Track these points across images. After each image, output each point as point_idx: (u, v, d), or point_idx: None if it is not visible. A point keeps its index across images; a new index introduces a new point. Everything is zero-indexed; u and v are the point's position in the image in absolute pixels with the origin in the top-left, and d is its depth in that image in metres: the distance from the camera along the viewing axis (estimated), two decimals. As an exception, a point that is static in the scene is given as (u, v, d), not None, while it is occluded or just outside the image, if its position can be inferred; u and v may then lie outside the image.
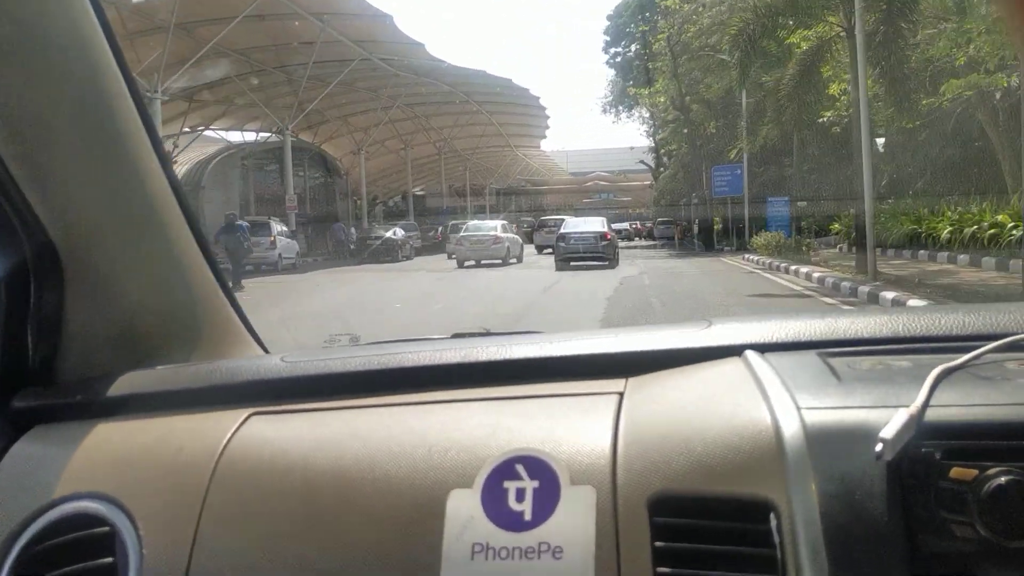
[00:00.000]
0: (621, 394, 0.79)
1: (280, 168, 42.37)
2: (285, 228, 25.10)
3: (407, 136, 46.15)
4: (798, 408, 0.66)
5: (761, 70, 17.91)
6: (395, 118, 41.93)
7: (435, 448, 0.75)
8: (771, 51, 15.87)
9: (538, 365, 0.87)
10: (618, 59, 46.81)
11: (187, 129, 33.10)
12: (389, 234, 29.26)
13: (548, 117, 45.58)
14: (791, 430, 0.64)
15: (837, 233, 19.09)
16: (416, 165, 53.05)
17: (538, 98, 40.62)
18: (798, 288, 13.42)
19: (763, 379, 0.72)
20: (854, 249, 15.64)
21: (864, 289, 11.29)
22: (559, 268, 20.34)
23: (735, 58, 15.98)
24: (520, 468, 0.71)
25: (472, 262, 22.85)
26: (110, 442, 0.88)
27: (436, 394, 0.85)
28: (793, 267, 16.12)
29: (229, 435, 0.83)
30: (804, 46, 14.75)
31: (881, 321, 0.87)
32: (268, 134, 38.51)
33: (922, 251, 15.96)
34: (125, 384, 0.95)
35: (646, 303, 11.65)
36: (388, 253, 27.33)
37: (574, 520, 0.67)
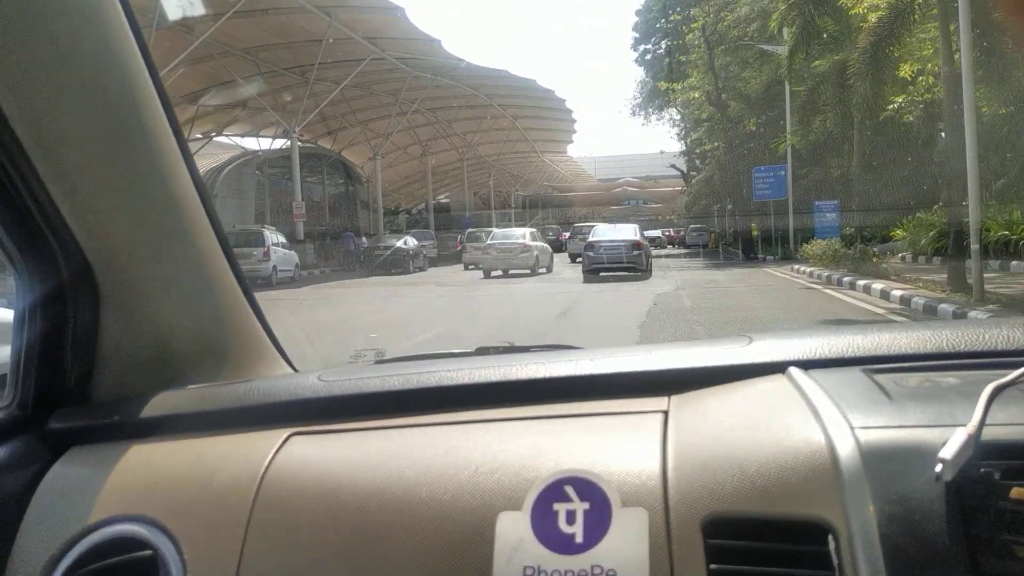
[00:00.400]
0: (666, 412, 0.78)
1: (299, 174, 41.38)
2: (282, 238, 23.24)
3: (429, 142, 44.67)
4: (851, 427, 0.65)
5: (811, 57, 15.92)
6: (415, 123, 40.52)
7: (481, 469, 0.75)
8: (828, 29, 13.90)
9: (579, 383, 0.86)
10: (647, 56, 43.51)
11: (199, 135, 31.89)
12: (400, 243, 27.28)
13: (575, 121, 43.92)
14: (846, 450, 0.63)
15: (901, 240, 16.75)
16: (440, 172, 51.67)
17: (564, 100, 38.89)
18: (878, 311, 10.53)
19: (812, 397, 0.71)
20: (933, 260, 13.41)
21: (978, 316, 8.10)
22: (587, 280, 18.70)
23: (788, 36, 14.00)
24: (569, 490, 0.70)
25: (499, 272, 21.62)
26: (148, 463, 0.87)
27: (477, 413, 0.84)
28: (862, 282, 13.25)
29: (271, 456, 0.83)
30: (873, 17, 12.56)
31: (926, 336, 0.85)
32: (284, 140, 37.24)
33: (1015, 261, 13.61)
34: (161, 404, 0.95)
35: (690, 334, 8.77)
36: (398, 264, 25.55)
37: (627, 543, 0.67)
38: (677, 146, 46.30)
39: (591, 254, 19.22)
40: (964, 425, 0.62)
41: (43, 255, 0.93)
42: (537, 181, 62.36)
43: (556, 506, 0.69)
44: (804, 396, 0.72)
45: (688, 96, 25.45)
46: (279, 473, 0.81)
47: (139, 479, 0.85)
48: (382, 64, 29.41)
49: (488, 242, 22.62)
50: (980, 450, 0.60)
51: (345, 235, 32.17)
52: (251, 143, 36.81)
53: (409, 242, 27.96)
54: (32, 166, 0.86)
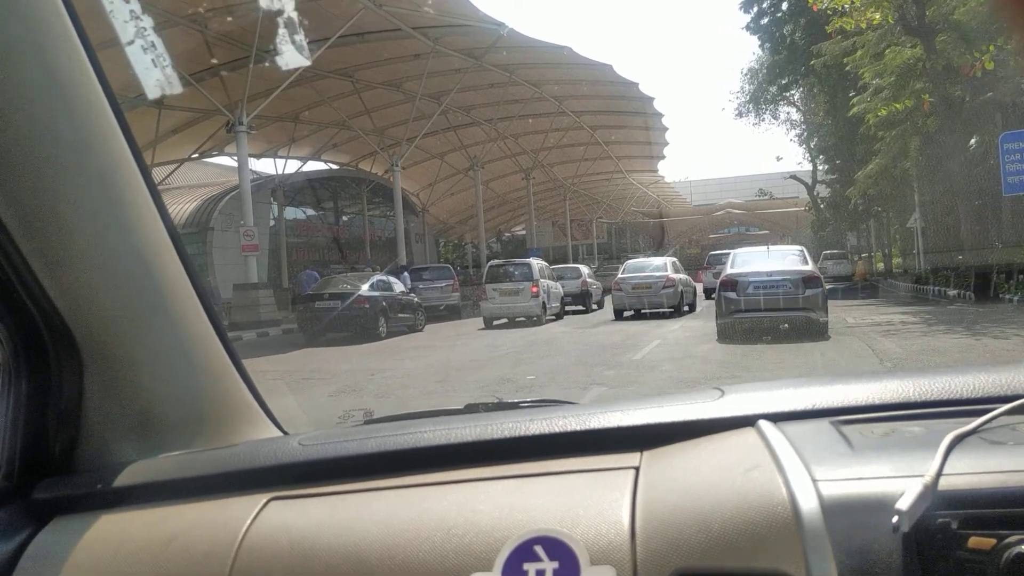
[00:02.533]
0: (637, 468, 0.79)
1: (332, 202, 35.17)
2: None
3: (490, 163, 37.60)
4: (813, 480, 0.66)
5: None
6: (475, 138, 33.48)
7: (454, 530, 0.76)
8: None
9: (554, 440, 0.87)
10: (764, 19, 27.43)
11: (195, 155, 25.77)
12: (366, 289, 15.91)
13: (666, 129, 35.83)
14: (807, 503, 0.64)
15: None
16: (511, 200, 44.53)
17: (652, 99, 30.93)
18: None
19: (778, 451, 0.72)
20: None
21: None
22: (721, 337, 11.21)
23: None
24: (539, 549, 0.71)
25: (631, 312, 17.62)
26: (129, 532, 0.89)
27: (453, 473, 0.85)
28: None
29: (249, 522, 0.84)
30: None
31: (892, 386, 0.86)
32: (303, 160, 30.96)
33: None
34: (144, 472, 0.97)
35: None
36: (354, 324, 15.11)
37: None
38: (794, 156, 37.15)
39: (732, 295, 11.40)
40: (923, 475, 0.63)
41: (26, 328, 0.95)
42: (623, 207, 54.44)
43: (526, 566, 0.70)
44: (771, 450, 0.73)
45: (863, 18, 14.51)
46: (257, 539, 0.82)
47: (121, 548, 0.87)
48: (425, 58, 22.54)
49: (621, 276, 18.47)
50: (939, 500, 0.61)
51: (304, 274, 21.21)
52: (266, 164, 30.33)
53: (384, 286, 16.79)
54: (13, 242, 0.88)
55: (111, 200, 0.96)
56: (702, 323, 14.86)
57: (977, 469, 0.64)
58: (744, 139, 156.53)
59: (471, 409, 1.19)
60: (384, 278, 17.66)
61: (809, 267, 11.64)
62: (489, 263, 20.12)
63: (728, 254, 22.63)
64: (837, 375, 0.96)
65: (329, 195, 34.08)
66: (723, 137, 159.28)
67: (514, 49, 23.17)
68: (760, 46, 29.12)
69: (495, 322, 18.21)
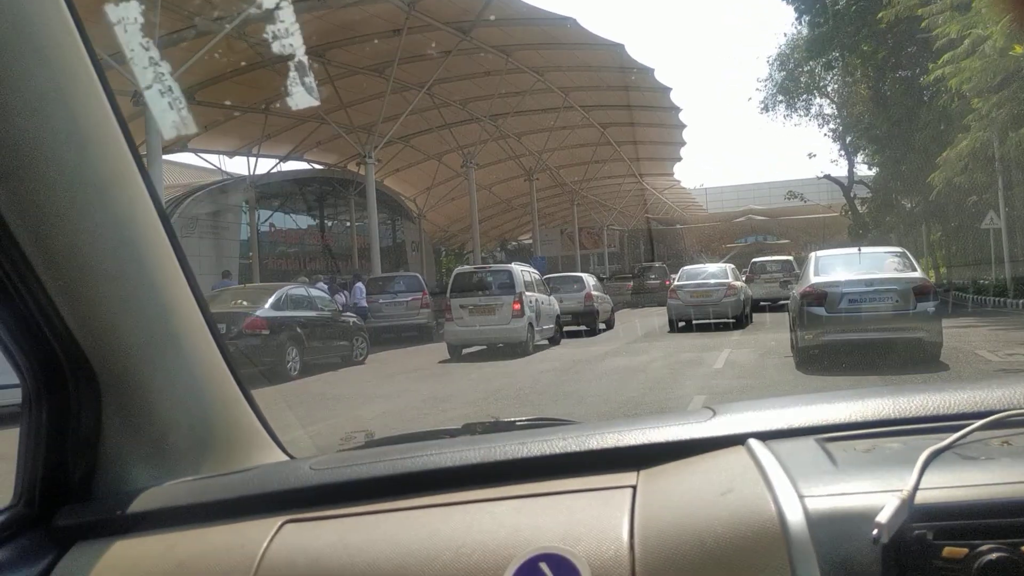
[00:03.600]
0: (634, 487, 0.83)
1: (318, 207, 32.20)
2: None
3: (491, 166, 34.62)
4: (800, 496, 0.70)
5: None
6: (472, 138, 30.53)
7: (462, 550, 0.79)
8: None
9: (554, 461, 0.90)
10: None
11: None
12: (268, 305, 11.51)
13: (683, 127, 32.73)
14: (794, 518, 0.68)
15: None
16: (517, 205, 41.58)
17: (669, 90, 27.83)
18: None
19: (766, 468, 0.76)
20: None
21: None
22: (804, 365, 8.51)
23: None
24: (544, 567, 0.74)
25: (683, 322, 16.00)
26: (150, 557, 0.91)
27: (459, 494, 0.88)
28: None
29: (265, 545, 0.86)
30: None
31: (873, 404, 0.90)
32: (276, 159, 28.04)
33: None
34: (160, 497, 1.00)
35: None
36: (249, 356, 10.33)
37: None
38: (827, 154, 33.54)
39: (819, 311, 8.41)
40: (901, 490, 0.67)
41: (48, 360, 0.98)
42: (636, 214, 51.28)
43: None
44: (760, 467, 0.77)
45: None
46: (274, 561, 0.85)
47: (141, 573, 0.89)
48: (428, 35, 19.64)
49: (677, 283, 17.14)
50: (916, 513, 0.66)
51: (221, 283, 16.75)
52: (237, 165, 27.26)
53: (300, 302, 12.44)
54: (37, 278, 0.92)
55: (129, 237, 1.00)
56: (765, 337, 13.16)
57: (951, 483, 0.69)
58: (765, 140, 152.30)
59: (468, 429, 1.23)
60: (302, 291, 13.02)
61: (918, 273, 8.75)
62: (456, 270, 15.79)
63: (771, 262, 19.22)
64: (821, 393, 1.02)
65: (314, 199, 31.11)
66: (741, 139, 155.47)
67: (508, 22, 20.14)
68: (797, 19, 25.55)
69: (465, 350, 13.96)
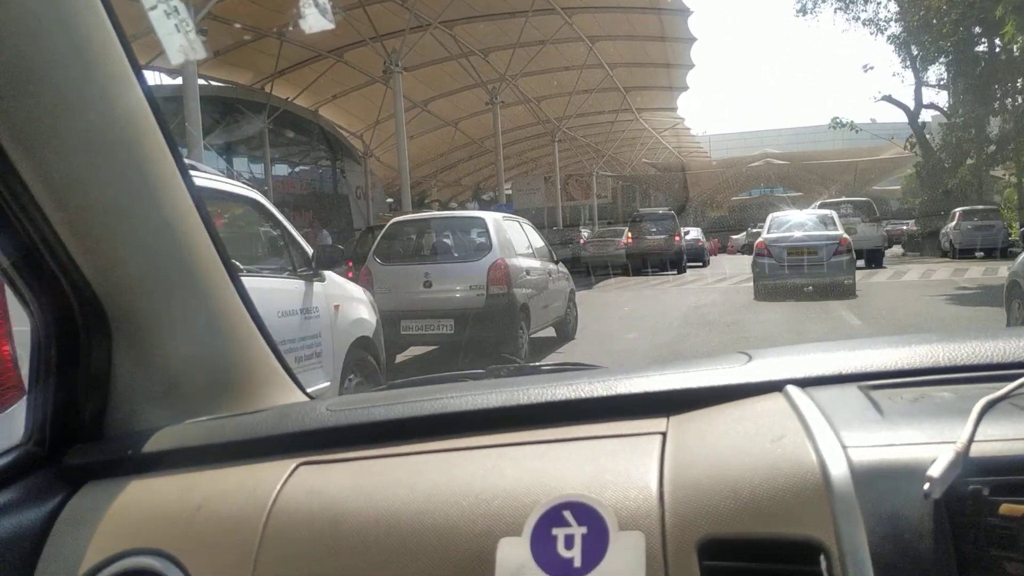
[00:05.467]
0: (664, 434, 0.80)
1: (224, 137, 25.31)
2: None
3: (455, 96, 27.73)
4: (843, 447, 0.67)
5: None
6: (429, 55, 23.72)
7: (482, 496, 0.77)
8: None
9: (579, 406, 0.88)
10: None
11: None
12: None
13: (693, 40, 25.78)
14: (837, 470, 0.65)
15: None
16: (486, 147, 34.79)
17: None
18: None
19: (806, 416, 0.73)
20: None
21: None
22: None
23: None
24: (568, 514, 0.72)
25: (776, 290, 11.80)
26: (160, 497, 0.91)
27: (480, 439, 0.86)
28: None
29: (278, 487, 0.85)
30: None
31: (922, 351, 0.86)
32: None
33: None
34: (173, 438, 0.98)
35: None
36: None
37: (624, 566, 0.69)
38: (886, 68, 26.12)
39: None
40: (954, 442, 0.63)
41: (55, 296, 0.97)
42: (631, 160, 44.44)
43: (555, 531, 0.71)
44: (799, 415, 0.73)
45: None
46: (287, 504, 0.83)
47: (152, 512, 0.88)
48: None
49: (767, 235, 12.70)
50: (970, 467, 0.62)
51: None
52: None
53: None
54: (41, 211, 0.90)
55: (137, 168, 0.98)
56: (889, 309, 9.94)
57: (1009, 435, 0.65)
58: (779, 79, 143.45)
59: (492, 373, 1.21)
60: None
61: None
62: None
63: (849, 203, 14.42)
64: (864, 339, 0.95)
65: (213, 125, 24.19)
66: (752, 75, 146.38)
67: None
68: None
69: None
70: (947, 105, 23.34)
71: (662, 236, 20.88)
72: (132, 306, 1.01)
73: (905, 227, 27.48)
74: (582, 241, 22.41)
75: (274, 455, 0.90)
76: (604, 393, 0.88)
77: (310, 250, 4.71)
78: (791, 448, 0.69)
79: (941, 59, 21.02)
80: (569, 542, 0.70)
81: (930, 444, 0.65)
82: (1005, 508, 0.59)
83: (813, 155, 41.45)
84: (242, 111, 23.89)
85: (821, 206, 17.39)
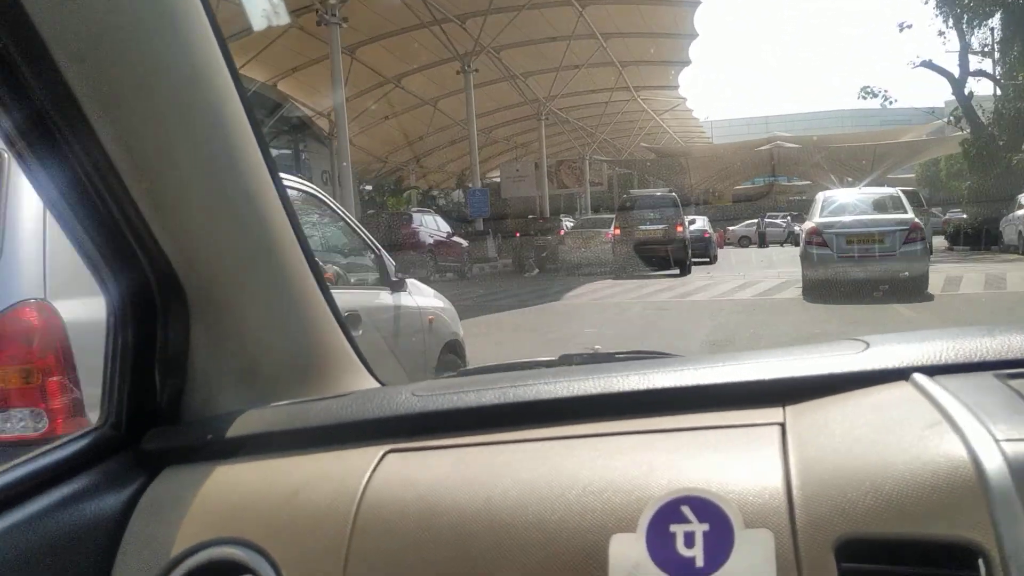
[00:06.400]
0: (782, 424, 0.74)
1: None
2: None
3: (429, 71, 24.77)
4: (995, 440, 0.61)
5: None
6: (403, 21, 20.80)
7: (589, 488, 0.72)
8: None
9: (684, 394, 0.82)
10: None
11: None
12: None
13: (697, 4, 22.76)
14: (992, 464, 0.59)
15: None
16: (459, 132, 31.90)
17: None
18: None
19: (946, 406, 0.67)
20: None
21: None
22: None
23: None
24: (686, 510, 0.67)
25: (832, 286, 9.79)
26: (244, 483, 0.88)
27: (579, 427, 0.81)
28: None
29: (368, 475, 0.82)
30: None
31: None
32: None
33: None
34: (253, 422, 0.95)
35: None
36: None
37: (752, 567, 0.64)
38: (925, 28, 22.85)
39: None
40: None
41: (134, 274, 0.95)
42: (628, 146, 41.39)
43: (673, 527, 0.67)
44: (936, 405, 0.68)
45: None
46: (377, 493, 0.80)
47: (234, 500, 0.86)
48: None
49: (820, 220, 10.50)
50: None
51: None
52: None
53: None
54: (123, 184, 0.88)
55: (221, 145, 0.94)
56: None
57: None
58: (788, 59, 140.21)
59: (566, 360, 1.16)
60: None
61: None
62: None
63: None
64: (996, 326, 0.87)
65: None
66: (758, 56, 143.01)
67: None
68: None
69: None
70: (999, 72, 20.12)
71: (660, 226, 16.38)
72: (211, 286, 0.97)
73: (945, 217, 23.02)
74: (562, 233, 18.62)
75: (361, 441, 0.87)
76: (714, 380, 0.82)
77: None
78: (933, 440, 0.63)
79: (995, 14, 17.87)
80: (689, 540, 0.66)
81: None
82: None
83: (826, 139, 38.49)
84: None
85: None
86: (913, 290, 9.97)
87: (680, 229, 16.23)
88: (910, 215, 10.56)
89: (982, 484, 0.58)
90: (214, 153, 0.94)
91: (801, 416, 0.75)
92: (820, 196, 11.72)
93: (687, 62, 30.02)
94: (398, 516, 0.77)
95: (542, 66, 27.40)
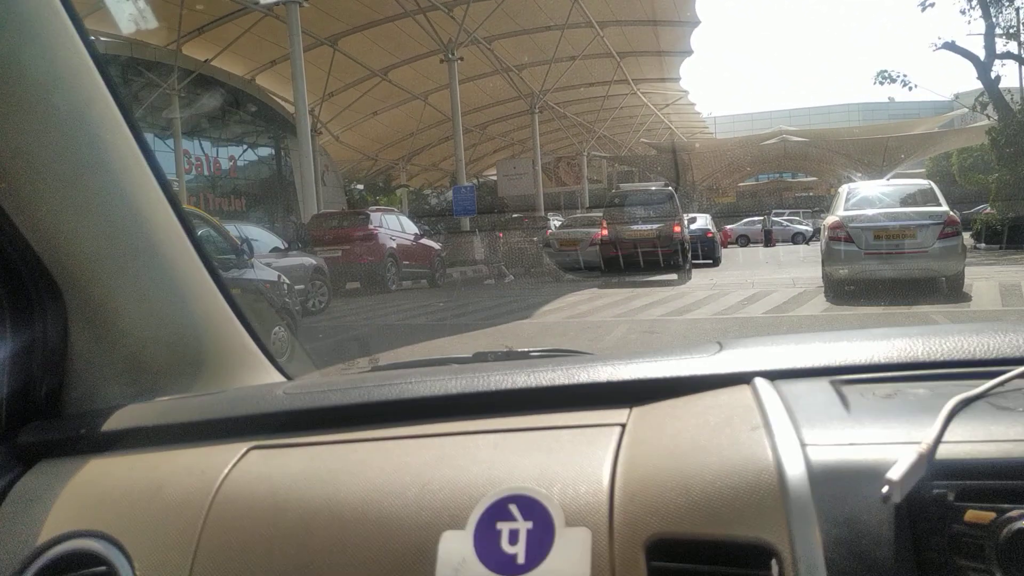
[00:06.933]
0: (624, 425, 0.78)
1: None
2: None
3: (415, 62, 23.51)
4: (802, 445, 0.64)
5: None
6: (387, 10, 19.61)
7: (429, 486, 0.75)
8: None
9: (541, 395, 0.86)
10: None
11: None
12: None
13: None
14: (794, 470, 0.62)
15: None
16: (464, 126, 30.48)
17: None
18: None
19: (769, 411, 0.70)
20: None
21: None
22: None
23: None
24: (513, 508, 0.70)
25: (859, 286, 9.25)
26: (111, 477, 0.90)
27: (434, 426, 0.85)
28: None
29: (227, 470, 0.84)
30: None
31: (900, 345, 0.83)
32: None
33: None
34: (127, 417, 0.97)
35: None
36: None
37: (568, 563, 0.67)
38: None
39: None
40: (919, 443, 0.61)
41: (5, 272, 0.96)
42: (627, 142, 40.02)
43: (500, 525, 0.69)
44: (761, 409, 0.71)
45: None
46: (234, 488, 0.82)
47: (102, 493, 0.88)
48: None
49: (844, 213, 9.36)
50: (935, 470, 0.59)
51: None
52: None
53: None
54: None
55: (85, 137, 0.95)
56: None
57: (980, 437, 0.61)
58: (792, 54, 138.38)
59: (480, 358, 1.19)
60: None
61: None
62: None
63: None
64: (843, 332, 0.92)
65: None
66: (761, 50, 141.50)
67: None
68: None
69: None
70: (1028, 54, 18.62)
71: (655, 226, 14.29)
72: (88, 281, 0.98)
73: (977, 209, 21.31)
74: (548, 233, 16.75)
75: (228, 438, 0.88)
76: (565, 381, 0.85)
77: None
78: (748, 444, 0.66)
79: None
80: (514, 537, 0.68)
81: (895, 444, 0.61)
82: (971, 515, 0.56)
83: (834, 132, 36.97)
84: (143, 72, 19.60)
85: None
86: (948, 292, 8.80)
87: (678, 229, 14.25)
88: (945, 207, 9.33)
89: (782, 487, 0.60)
90: (79, 153, 0.94)
91: (644, 417, 0.77)
92: (844, 188, 10.53)
93: (689, 52, 28.67)
94: (250, 512, 0.78)
95: (536, 58, 26.08)
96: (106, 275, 0.99)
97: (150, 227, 1.02)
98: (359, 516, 0.75)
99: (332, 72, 23.93)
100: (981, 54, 18.93)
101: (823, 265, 9.79)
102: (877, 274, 9.24)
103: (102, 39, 18.55)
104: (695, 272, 14.30)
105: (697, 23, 25.13)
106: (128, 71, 19.47)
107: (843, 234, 9.22)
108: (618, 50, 26.42)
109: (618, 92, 31.77)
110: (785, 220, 30.60)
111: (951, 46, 18.90)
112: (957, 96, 25.75)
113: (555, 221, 18.33)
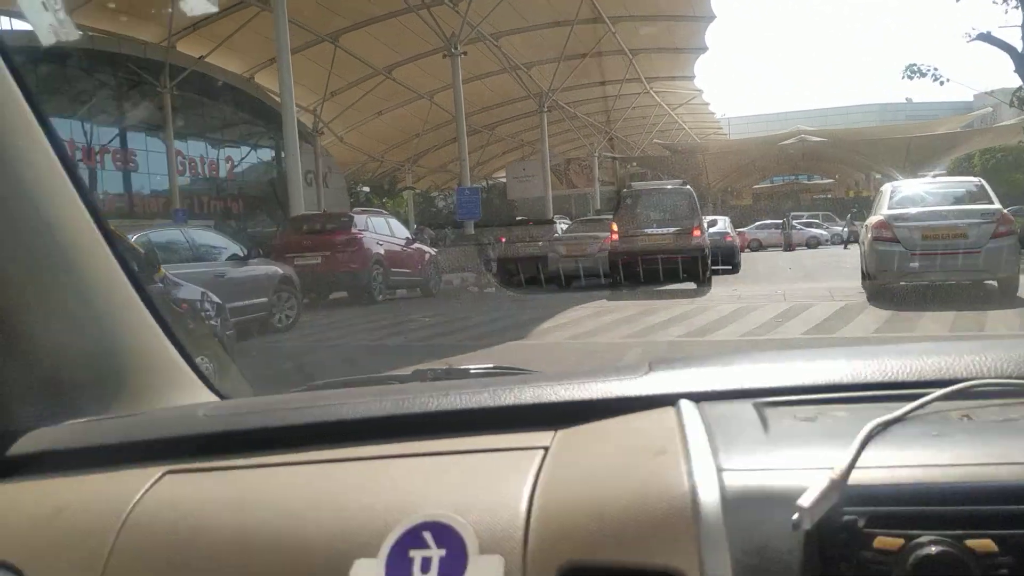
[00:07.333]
0: (547, 449, 0.76)
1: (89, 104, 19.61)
2: None
3: (422, 60, 22.61)
4: (719, 470, 0.63)
5: None
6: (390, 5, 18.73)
7: (343, 513, 0.73)
8: None
9: (466, 416, 0.85)
10: None
11: None
12: None
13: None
14: (708, 496, 0.61)
15: None
16: (473, 127, 29.64)
17: None
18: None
19: (689, 435, 0.69)
20: None
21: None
22: None
23: None
24: (427, 535, 0.68)
25: (901, 278, 8.53)
26: (14, 503, 0.88)
27: (356, 450, 0.83)
28: None
29: (138, 496, 0.82)
30: None
31: (824, 366, 0.85)
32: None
33: None
34: (43, 440, 0.95)
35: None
36: None
37: None
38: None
39: None
40: (832, 468, 0.60)
41: None
42: (640, 143, 39.01)
43: (412, 553, 0.68)
44: (682, 433, 0.70)
45: None
46: (144, 515, 0.80)
47: (8, 521, 0.85)
48: None
49: (888, 212, 8.80)
50: (848, 496, 0.58)
51: None
52: None
53: None
54: None
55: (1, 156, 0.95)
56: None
57: (894, 462, 0.61)
58: (807, 54, 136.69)
59: (418, 376, 1.19)
60: None
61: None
62: None
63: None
64: (769, 352, 0.93)
65: (93, 92, 19.03)
66: (776, 48, 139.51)
67: None
68: None
69: None
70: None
71: (671, 229, 12.66)
72: None
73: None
74: (553, 238, 15.26)
75: (143, 461, 0.86)
76: (490, 404, 0.84)
77: None
78: (664, 469, 0.65)
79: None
80: (426, 565, 0.67)
81: (809, 469, 0.60)
82: (880, 541, 0.56)
83: (854, 132, 35.76)
84: (134, 70, 18.81)
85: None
86: (1001, 297, 8.03)
87: (698, 233, 12.63)
88: (997, 205, 8.59)
89: (695, 513, 0.60)
90: None
91: (567, 440, 0.76)
92: (887, 187, 9.79)
93: (704, 48, 27.67)
94: (160, 539, 0.76)
95: (545, 55, 25.16)
96: (17, 290, 0.95)
97: (67, 236, 0.99)
98: (270, 544, 0.72)
99: (334, 70, 23.14)
100: (1018, 46, 17.78)
101: (865, 267, 8.96)
102: (925, 276, 8.46)
103: (90, 35, 17.81)
104: (714, 280, 12.73)
105: (713, 18, 24.19)
106: (118, 68, 18.69)
107: (889, 234, 8.45)
108: (630, 46, 25.47)
109: (630, 91, 30.80)
110: (801, 224, 29.52)
111: (987, 37, 17.74)
112: (992, 92, 24.57)
113: (562, 224, 17.15)
